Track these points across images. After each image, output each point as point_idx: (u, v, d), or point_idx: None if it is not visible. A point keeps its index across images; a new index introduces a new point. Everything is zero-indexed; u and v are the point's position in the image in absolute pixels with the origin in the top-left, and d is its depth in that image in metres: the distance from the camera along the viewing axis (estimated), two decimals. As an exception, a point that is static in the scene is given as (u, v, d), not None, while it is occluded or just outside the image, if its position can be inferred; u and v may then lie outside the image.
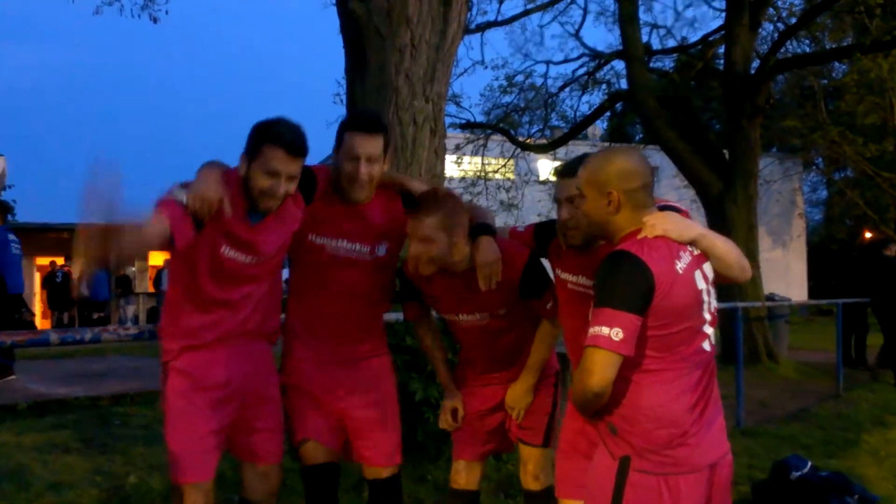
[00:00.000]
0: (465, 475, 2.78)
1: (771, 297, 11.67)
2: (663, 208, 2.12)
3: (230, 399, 2.45)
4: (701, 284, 1.98)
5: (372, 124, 2.52)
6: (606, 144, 19.22)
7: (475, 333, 2.65)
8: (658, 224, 1.96)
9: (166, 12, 10.40)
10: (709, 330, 2.01)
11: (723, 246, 2.07)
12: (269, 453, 2.56)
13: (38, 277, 20.46)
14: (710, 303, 2.02)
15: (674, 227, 1.97)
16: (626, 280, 1.86)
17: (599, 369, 1.83)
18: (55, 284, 17.94)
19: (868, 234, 18.12)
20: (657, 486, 1.91)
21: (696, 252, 2.01)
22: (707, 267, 2.03)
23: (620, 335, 1.82)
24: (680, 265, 1.93)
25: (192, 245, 2.31)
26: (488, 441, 2.81)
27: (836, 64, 15.70)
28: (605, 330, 1.83)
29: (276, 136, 2.30)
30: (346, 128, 2.52)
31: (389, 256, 2.68)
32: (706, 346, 2.01)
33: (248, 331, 2.50)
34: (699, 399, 1.97)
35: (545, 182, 18.64)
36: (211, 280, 2.39)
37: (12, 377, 8.08)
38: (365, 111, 2.72)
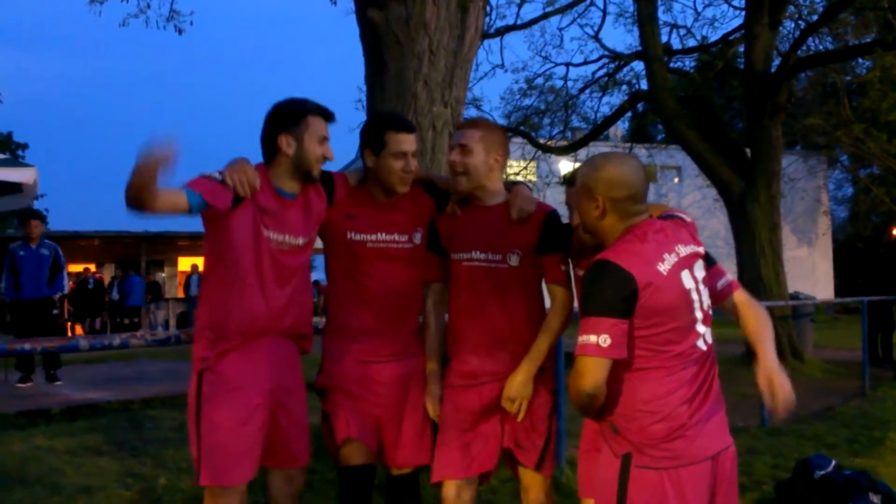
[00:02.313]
0: (454, 501, 2.60)
1: (795, 296, 11.58)
2: (667, 217, 2.18)
3: (265, 402, 2.49)
4: (689, 284, 2.02)
5: (410, 124, 2.78)
6: (628, 145, 19.15)
7: (479, 286, 2.61)
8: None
9: (191, 23, 10.58)
10: (702, 328, 2.05)
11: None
12: (296, 457, 2.60)
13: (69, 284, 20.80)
14: (702, 301, 2.06)
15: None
16: (606, 287, 1.93)
17: (590, 373, 1.92)
18: (86, 291, 18.24)
19: (895, 231, 17.87)
20: (659, 480, 1.96)
21: (683, 253, 2.04)
22: (697, 267, 2.07)
23: (608, 341, 1.90)
24: (663, 267, 1.98)
25: (234, 228, 2.41)
26: (477, 454, 2.62)
27: (860, 60, 15.51)
28: (592, 338, 1.91)
29: (313, 107, 2.54)
30: (387, 128, 2.68)
31: (423, 243, 2.77)
32: (701, 343, 2.05)
33: (284, 330, 2.56)
34: (696, 393, 2.00)
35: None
36: (251, 267, 2.45)
37: (30, 383, 8.34)
38: (394, 113, 2.85)
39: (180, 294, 20.68)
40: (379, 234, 2.70)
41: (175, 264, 23.07)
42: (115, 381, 9.08)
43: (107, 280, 19.80)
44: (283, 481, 2.61)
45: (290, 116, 2.49)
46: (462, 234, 2.66)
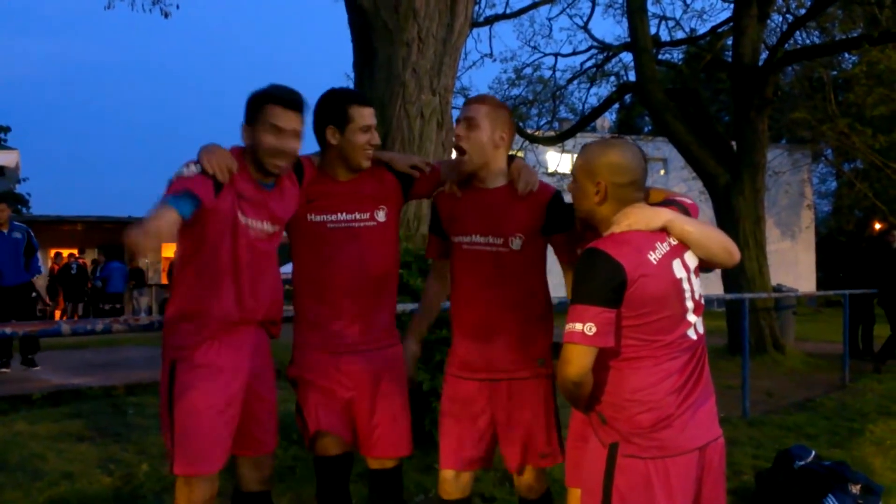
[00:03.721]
0: (452, 483, 2.64)
1: (778, 288, 11.68)
2: (668, 203, 2.16)
3: (241, 390, 2.48)
4: (680, 273, 2.02)
5: (367, 98, 2.76)
6: (615, 137, 19.16)
7: (481, 269, 2.59)
8: (623, 220, 2.02)
9: (177, 7, 10.48)
10: (693, 318, 2.05)
11: (698, 231, 2.08)
12: (264, 443, 2.59)
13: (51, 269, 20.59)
14: (694, 291, 2.06)
15: (639, 218, 2.02)
16: (595, 276, 1.93)
17: (576, 360, 1.93)
18: (70, 276, 18.10)
19: (877, 226, 18.05)
20: (645, 470, 1.96)
21: (675, 242, 2.04)
22: (689, 256, 2.06)
23: (593, 329, 1.90)
24: (654, 256, 1.98)
25: (212, 218, 2.38)
26: (478, 445, 2.63)
27: (846, 55, 15.60)
28: (578, 326, 1.91)
29: (274, 95, 2.45)
30: (350, 102, 2.62)
31: (389, 222, 2.72)
32: (691, 333, 2.04)
33: (260, 318, 2.55)
34: (685, 383, 2.01)
35: (554, 174, 18.64)
36: (229, 256, 2.43)
37: (7, 370, 8.26)
38: (347, 88, 2.79)
39: (164, 280, 20.55)
40: (339, 214, 2.65)
41: (159, 250, 22.91)
42: (97, 367, 9.03)
43: (90, 266, 19.66)
44: (252, 468, 2.59)
45: (251, 106, 2.47)
46: (462, 216, 2.63)
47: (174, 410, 2.40)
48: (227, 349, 2.46)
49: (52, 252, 20.18)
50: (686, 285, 2.03)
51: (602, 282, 1.92)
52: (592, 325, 1.90)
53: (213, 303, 2.43)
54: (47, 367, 8.68)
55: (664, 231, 2.04)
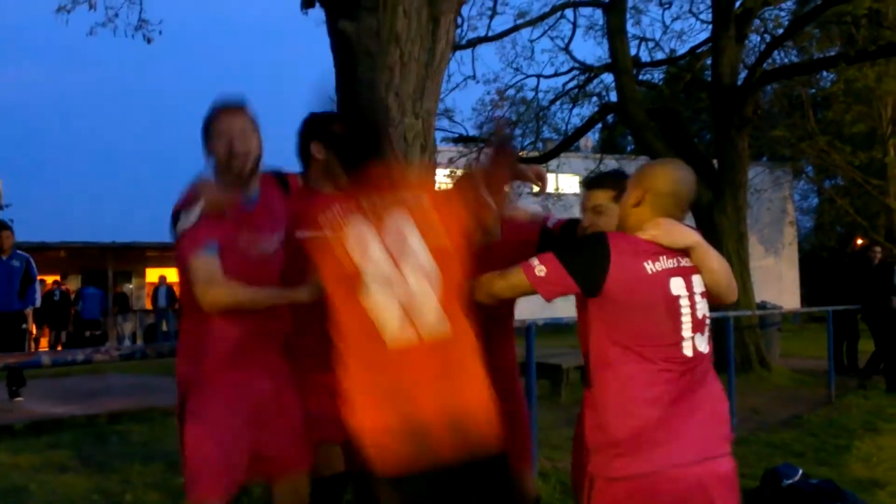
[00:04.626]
0: None
1: (762, 306, 11.75)
2: None
3: (255, 418, 2.42)
4: (678, 291, 2.04)
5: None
6: (598, 156, 19.33)
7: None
8: (651, 228, 2.06)
9: (160, 32, 10.47)
10: (689, 334, 2.04)
11: (717, 262, 2.15)
12: (293, 462, 2.50)
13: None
14: (696, 309, 2.06)
15: (666, 231, 2.07)
16: (583, 250, 2.04)
17: (508, 284, 2.11)
18: (53, 303, 17.93)
19: (859, 241, 18.25)
20: (627, 490, 1.96)
21: (685, 263, 2.07)
22: (696, 279, 2.09)
23: (543, 272, 2.04)
24: (651, 267, 2.01)
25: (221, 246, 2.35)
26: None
27: (825, 73, 15.87)
28: (535, 261, 2.07)
29: (214, 108, 2.46)
30: (332, 119, 2.61)
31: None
32: (686, 349, 2.03)
33: (272, 346, 2.51)
34: (676, 398, 1.98)
35: (538, 194, 18.75)
36: (235, 277, 2.37)
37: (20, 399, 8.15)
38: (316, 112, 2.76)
39: (148, 306, 20.39)
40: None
41: (143, 275, 22.76)
42: (80, 395, 8.91)
43: (73, 293, 19.48)
44: (286, 495, 2.51)
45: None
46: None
47: (184, 439, 2.37)
48: (238, 373, 2.41)
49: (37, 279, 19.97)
50: (685, 302, 2.04)
51: (585, 258, 2.02)
52: (545, 270, 2.04)
53: (223, 326, 2.39)
54: (29, 396, 8.56)
55: (684, 251, 2.08)
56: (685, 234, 2.09)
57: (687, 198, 2.15)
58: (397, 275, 2.02)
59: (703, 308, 2.08)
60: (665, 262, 2.03)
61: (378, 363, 2.01)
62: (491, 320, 2.34)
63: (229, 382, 2.41)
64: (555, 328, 5.92)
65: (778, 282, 26.22)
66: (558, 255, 2.05)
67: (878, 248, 10.50)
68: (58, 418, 7.17)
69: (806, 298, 27.57)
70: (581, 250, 2.05)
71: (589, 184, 2.56)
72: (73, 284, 19.48)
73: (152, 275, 21.33)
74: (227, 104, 2.46)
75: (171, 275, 19.97)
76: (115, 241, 19.67)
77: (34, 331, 18.94)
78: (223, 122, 2.42)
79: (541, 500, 2.77)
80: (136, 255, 21.40)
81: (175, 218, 2.34)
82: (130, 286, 21.73)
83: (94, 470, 5.21)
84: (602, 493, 1.99)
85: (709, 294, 2.13)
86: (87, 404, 8.08)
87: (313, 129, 2.67)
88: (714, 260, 2.13)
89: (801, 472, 4.34)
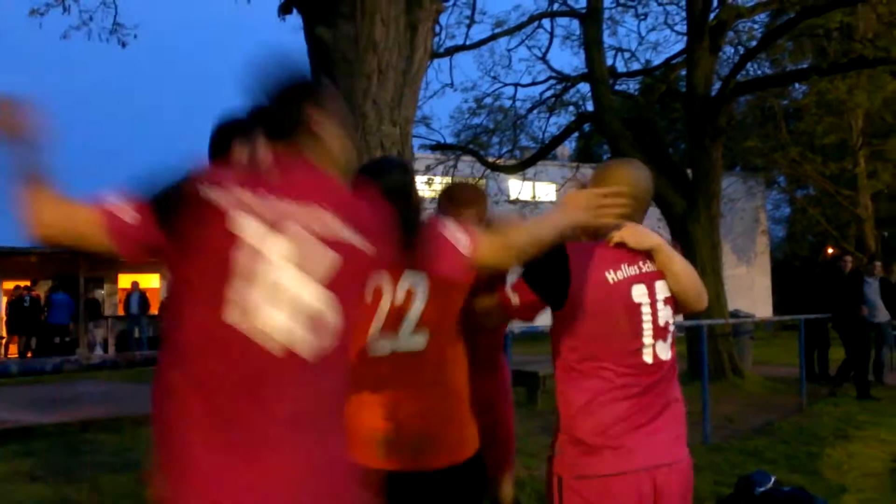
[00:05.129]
0: None
1: (735, 314, 11.87)
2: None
3: None
4: (640, 299, 2.05)
5: None
6: (575, 165, 19.45)
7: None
8: (617, 233, 2.07)
9: (135, 36, 10.38)
10: (650, 341, 2.06)
11: (680, 265, 2.13)
12: None
13: (3, 301, 20.05)
14: (658, 317, 2.07)
15: (632, 234, 2.07)
16: (543, 267, 2.03)
17: (488, 313, 2.17)
18: (22, 309, 17.65)
19: (830, 251, 18.53)
20: (588, 491, 1.98)
21: (647, 269, 2.08)
22: (660, 285, 2.10)
23: (517, 301, 2.11)
24: (612, 276, 2.03)
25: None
26: None
27: (797, 85, 16.14)
28: (510, 292, 2.12)
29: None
30: None
31: None
32: (647, 357, 2.05)
33: None
34: (636, 404, 2.02)
35: (516, 201, 18.80)
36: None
37: None
38: None
39: (120, 312, 20.11)
40: None
41: (115, 281, 22.46)
42: (50, 403, 8.76)
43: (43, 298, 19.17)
44: None
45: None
46: None
47: None
48: None
49: (4, 285, 19.66)
50: (646, 309, 2.05)
51: (545, 274, 2.06)
52: (517, 298, 2.10)
53: None
54: (-3, 403, 8.42)
55: (647, 254, 2.09)
56: (649, 237, 2.10)
57: (646, 199, 2.16)
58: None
59: (665, 315, 2.10)
60: (627, 270, 2.04)
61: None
62: (480, 333, 2.32)
63: None
64: (531, 336, 5.92)
65: (750, 290, 26.52)
66: (525, 276, 2.08)
67: (848, 258, 10.69)
68: (27, 426, 7.05)
69: (777, 307, 27.92)
70: (541, 267, 2.03)
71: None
72: (43, 290, 19.17)
73: (125, 280, 21.04)
74: None
75: (144, 280, 19.76)
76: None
77: (5, 335, 18.68)
78: None
79: None
80: (108, 261, 21.12)
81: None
82: (102, 292, 21.42)
83: (64, 480, 5.12)
84: (571, 492, 2.00)
85: (677, 301, 2.14)
86: (56, 412, 7.95)
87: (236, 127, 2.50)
88: (677, 263, 2.12)
89: (773, 479, 4.38)
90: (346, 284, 1.57)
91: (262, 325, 1.48)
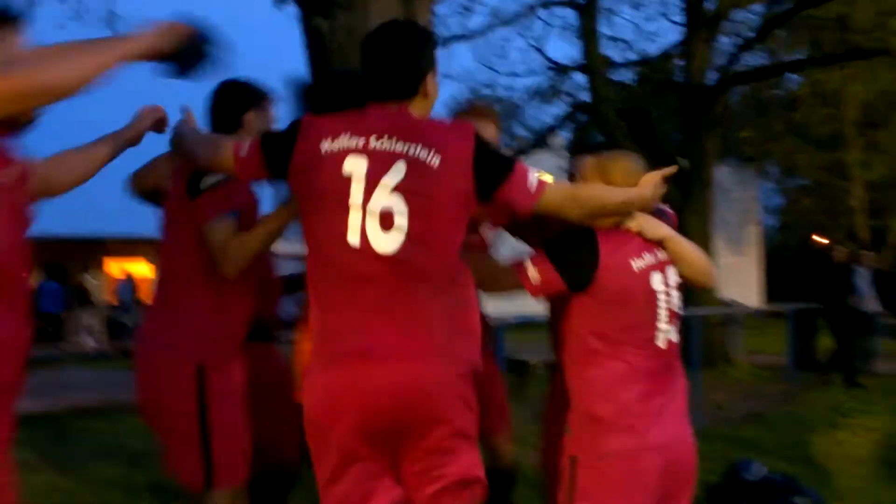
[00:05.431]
0: None
1: (727, 303, 11.92)
2: (658, 213, 2.27)
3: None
4: (658, 286, 2.12)
5: None
6: (569, 155, 19.42)
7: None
8: (634, 222, 2.14)
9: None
10: (664, 326, 2.14)
11: (690, 250, 2.23)
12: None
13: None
14: (672, 303, 2.16)
15: (647, 225, 2.15)
16: (575, 247, 2.08)
17: (499, 284, 2.17)
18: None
19: (816, 238, 18.59)
20: (613, 469, 2.03)
21: (661, 257, 2.15)
22: (671, 272, 2.17)
23: (538, 280, 2.08)
24: (637, 264, 2.10)
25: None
26: None
27: (792, 76, 16.12)
28: (529, 267, 2.09)
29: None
30: None
31: None
32: (661, 341, 2.13)
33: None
34: (652, 387, 2.09)
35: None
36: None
37: None
38: None
39: (111, 299, 20.03)
40: None
41: (104, 268, 22.37)
42: (38, 390, 8.70)
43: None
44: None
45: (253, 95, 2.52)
46: None
47: (211, 420, 2.27)
48: (242, 361, 2.42)
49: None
50: (662, 296, 2.13)
51: (576, 257, 2.07)
52: (539, 277, 2.08)
53: (241, 308, 2.40)
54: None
55: (657, 244, 2.16)
56: (660, 228, 2.18)
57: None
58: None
59: (677, 301, 2.19)
60: (647, 259, 2.12)
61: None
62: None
63: (240, 364, 2.40)
64: (522, 324, 5.93)
65: (743, 279, 26.61)
66: (550, 254, 2.09)
67: (840, 248, 10.70)
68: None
69: (770, 296, 28.03)
70: (571, 248, 2.09)
71: (574, 149, 2.60)
72: (35, 279, 19.09)
73: (114, 268, 20.98)
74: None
75: (134, 268, 19.69)
76: (75, 233, 19.27)
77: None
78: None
79: (517, 469, 2.77)
80: (97, 248, 21.04)
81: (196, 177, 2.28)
82: (95, 281, 21.34)
83: (53, 468, 5.11)
84: (590, 470, 2.06)
85: (688, 281, 2.24)
86: (45, 400, 7.92)
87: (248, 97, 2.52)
88: (688, 250, 2.21)
89: (762, 467, 4.39)
90: (444, 213, 1.86)
91: (377, 247, 1.82)
